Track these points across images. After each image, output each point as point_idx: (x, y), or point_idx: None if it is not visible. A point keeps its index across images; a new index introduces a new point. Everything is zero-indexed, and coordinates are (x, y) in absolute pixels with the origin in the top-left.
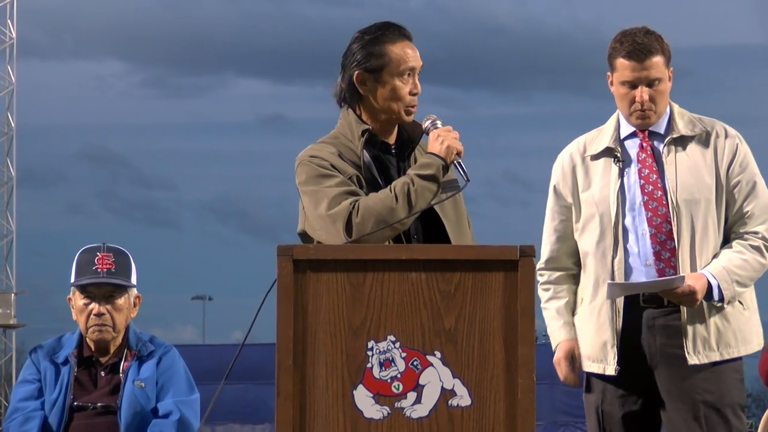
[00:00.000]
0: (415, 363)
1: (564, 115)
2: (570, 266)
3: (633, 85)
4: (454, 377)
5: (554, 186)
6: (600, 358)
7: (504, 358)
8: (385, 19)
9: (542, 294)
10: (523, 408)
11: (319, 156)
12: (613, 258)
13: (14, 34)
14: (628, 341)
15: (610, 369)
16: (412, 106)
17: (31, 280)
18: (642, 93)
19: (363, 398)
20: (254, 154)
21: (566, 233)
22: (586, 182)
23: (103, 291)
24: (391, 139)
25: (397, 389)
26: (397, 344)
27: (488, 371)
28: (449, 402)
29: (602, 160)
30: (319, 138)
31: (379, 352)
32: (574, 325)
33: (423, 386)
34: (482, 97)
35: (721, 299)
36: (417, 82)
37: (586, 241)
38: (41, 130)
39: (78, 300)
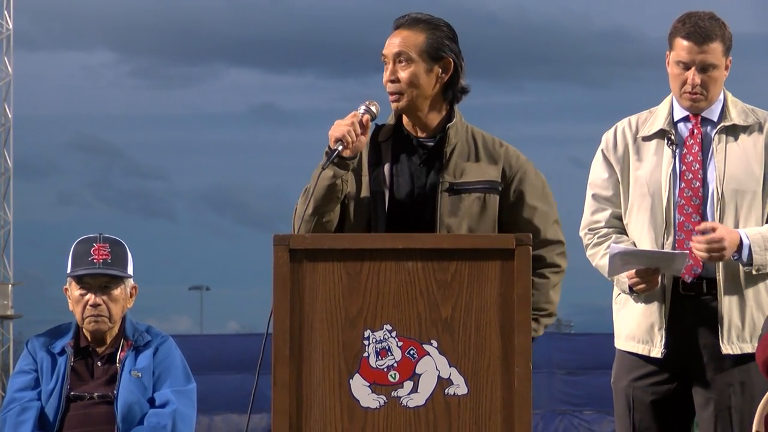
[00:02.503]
0: (411, 352)
1: (556, 105)
2: (618, 225)
3: (687, 66)
4: (450, 366)
5: (603, 155)
6: (646, 339)
7: (501, 346)
8: (381, 9)
9: (596, 250)
10: (519, 397)
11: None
12: (665, 240)
13: (11, 25)
14: (673, 329)
15: (656, 351)
16: (391, 93)
17: (26, 271)
18: (694, 76)
19: (359, 387)
20: (247, 144)
21: (611, 200)
22: (638, 162)
23: (99, 281)
24: (424, 131)
25: (394, 378)
26: (394, 333)
27: (485, 360)
28: (446, 391)
29: (654, 141)
30: (310, 127)
31: (376, 341)
32: None
33: (419, 375)
34: (473, 87)
35: (750, 263)
36: (395, 68)
37: (637, 223)
38: (32, 121)
39: (74, 290)
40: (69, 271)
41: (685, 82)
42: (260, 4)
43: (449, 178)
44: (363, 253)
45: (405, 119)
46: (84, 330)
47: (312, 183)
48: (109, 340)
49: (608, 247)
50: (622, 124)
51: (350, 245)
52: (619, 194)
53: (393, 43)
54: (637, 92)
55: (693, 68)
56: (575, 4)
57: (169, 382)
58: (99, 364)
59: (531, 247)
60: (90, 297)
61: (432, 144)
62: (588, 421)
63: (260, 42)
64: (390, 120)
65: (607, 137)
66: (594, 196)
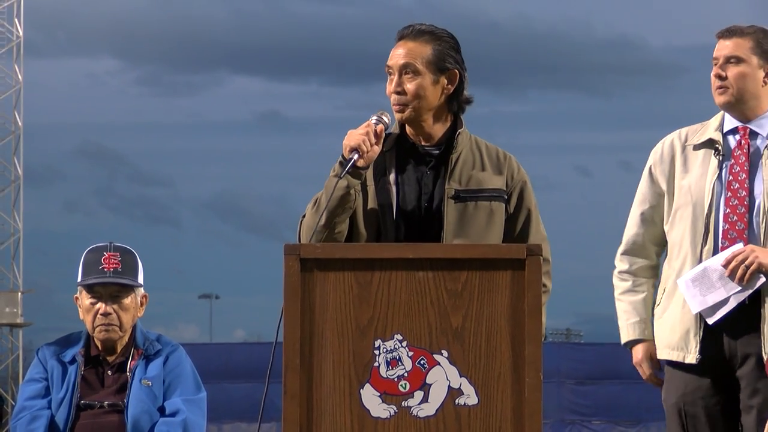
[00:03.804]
0: (422, 362)
1: (559, 113)
2: (652, 255)
3: (716, 61)
4: (461, 376)
5: (650, 169)
6: (681, 346)
7: (511, 356)
8: (384, 17)
9: (618, 284)
10: (530, 407)
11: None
12: (702, 247)
13: (21, 33)
14: (710, 336)
15: (690, 357)
16: (396, 105)
17: (34, 279)
18: (718, 68)
19: (370, 397)
20: (251, 152)
21: (653, 219)
22: (684, 171)
23: (110, 290)
24: (429, 140)
25: (404, 388)
26: (404, 343)
27: (495, 370)
28: (456, 401)
29: (702, 150)
30: (314, 134)
31: (386, 351)
32: (650, 323)
33: (430, 385)
34: (477, 95)
35: None
36: (401, 80)
37: (677, 230)
38: (37, 128)
39: (85, 299)
40: (79, 279)
41: (715, 78)
42: (264, 13)
43: (455, 186)
44: (373, 262)
45: (408, 129)
46: (95, 339)
47: (326, 194)
48: (119, 349)
49: (624, 288)
50: (672, 135)
51: (361, 255)
52: (660, 206)
53: (398, 55)
54: (640, 100)
55: (719, 61)
56: (578, 12)
57: (180, 390)
58: (109, 372)
59: (541, 258)
60: (100, 306)
61: (437, 152)
62: (597, 430)
63: (264, 50)
64: (394, 129)
65: (656, 150)
66: (637, 213)
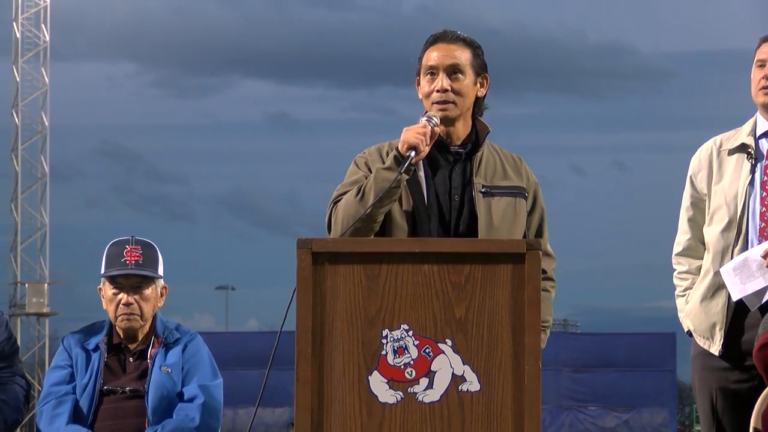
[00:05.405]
0: (427, 350)
1: (555, 115)
2: (704, 254)
3: (764, 63)
4: (464, 364)
5: (690, 178)
6: (707, 336)
7: (512, 346)
8: (386, 24)
9: (680, 282)
10: (529, 393)
11: (364, 153)
12: (733, 248)
13: (48, 38)
14: (747, 327)
15: (715, 349)
16: (437, 102)
17: (59, 271)
18: (767, 69)
19: (378, 384)
20: (262, 151)
21: (699, 224)
22: (719, 175)
23: (132, 282)
24: (456, 140)
25: (410, 375)
26: (410, 333)
27: (496, 358)
28: (459, 387)
29: (736, 155)
30: (322, 135)
31: (393, 340)
32: None
33: (435, 372)
34: None
35: None
36: (444, 78)
37: (713, 230)
38: (59, 129)
39: (108, 290)
40: (103, 271)
41: (761, 79)
42: (273, 19)
43: (482, 182)
44: (381, 256)
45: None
46: (117, 327)
47: (375, 185)
48: (140, 337)
49: (685, 286)
50: (708, 143)
51: (369, 249)
52: (703, 210)
53: (443, 56)
54: (631, 102)
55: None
56: (571, 20)
57: (197, 377)
58: (131, 360)
59: (541, 252)
60: (123, 296)
61: (464, 151)
62: (593, 416)
63: (273, 54)
64: None
65: (693, 158)
66: (685, 218)
